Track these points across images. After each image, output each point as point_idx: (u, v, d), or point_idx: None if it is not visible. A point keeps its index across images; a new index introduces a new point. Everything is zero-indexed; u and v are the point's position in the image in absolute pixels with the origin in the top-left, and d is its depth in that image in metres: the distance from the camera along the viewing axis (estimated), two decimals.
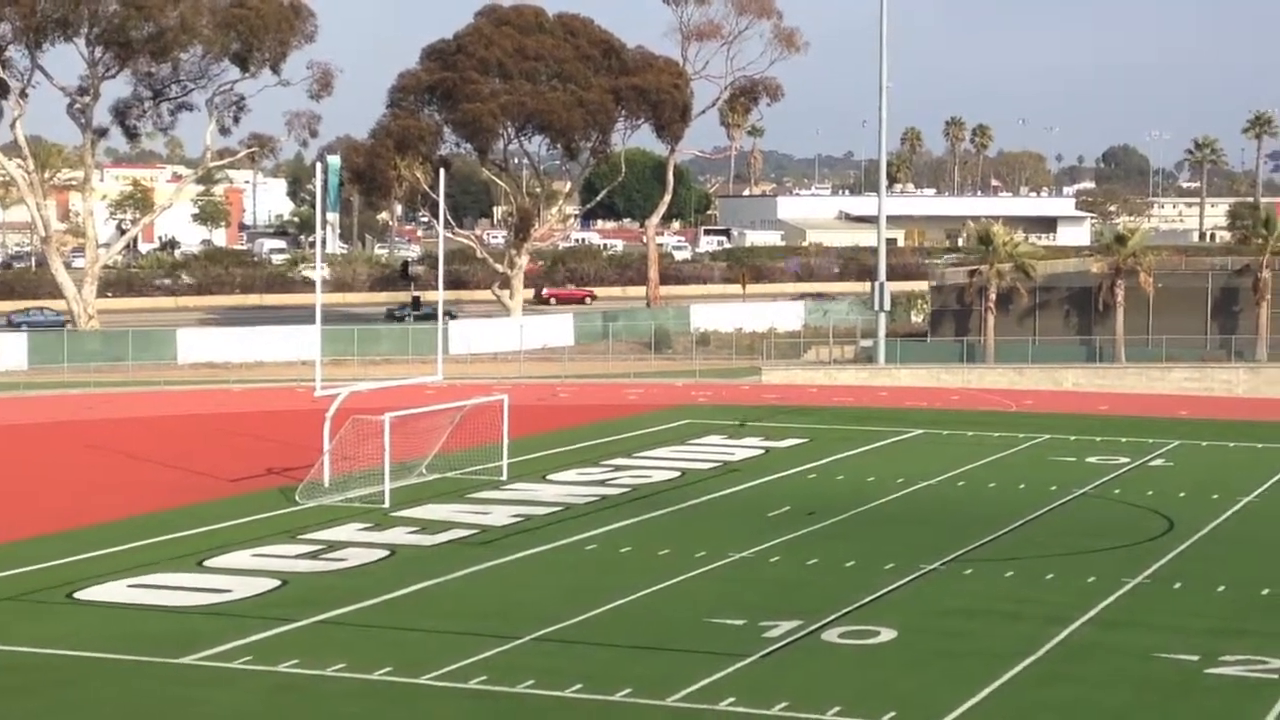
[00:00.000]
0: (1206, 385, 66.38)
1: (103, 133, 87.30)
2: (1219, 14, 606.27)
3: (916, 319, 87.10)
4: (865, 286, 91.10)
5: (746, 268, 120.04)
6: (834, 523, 36.53)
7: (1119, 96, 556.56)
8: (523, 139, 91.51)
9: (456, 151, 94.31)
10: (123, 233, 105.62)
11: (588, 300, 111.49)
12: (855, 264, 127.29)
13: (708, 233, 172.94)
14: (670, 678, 23.89)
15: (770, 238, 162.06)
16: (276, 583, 30.22)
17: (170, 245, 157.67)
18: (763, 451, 47.98)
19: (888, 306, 74.06)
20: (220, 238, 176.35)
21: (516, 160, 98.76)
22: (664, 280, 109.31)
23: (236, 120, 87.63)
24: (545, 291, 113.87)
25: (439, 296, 47.27)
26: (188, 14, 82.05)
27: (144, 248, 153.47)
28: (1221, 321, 72.94)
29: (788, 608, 28.15)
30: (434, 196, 65.60)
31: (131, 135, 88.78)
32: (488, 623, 27.12)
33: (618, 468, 44.51)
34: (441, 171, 51.62)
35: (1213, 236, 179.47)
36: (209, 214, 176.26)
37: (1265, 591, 29.85)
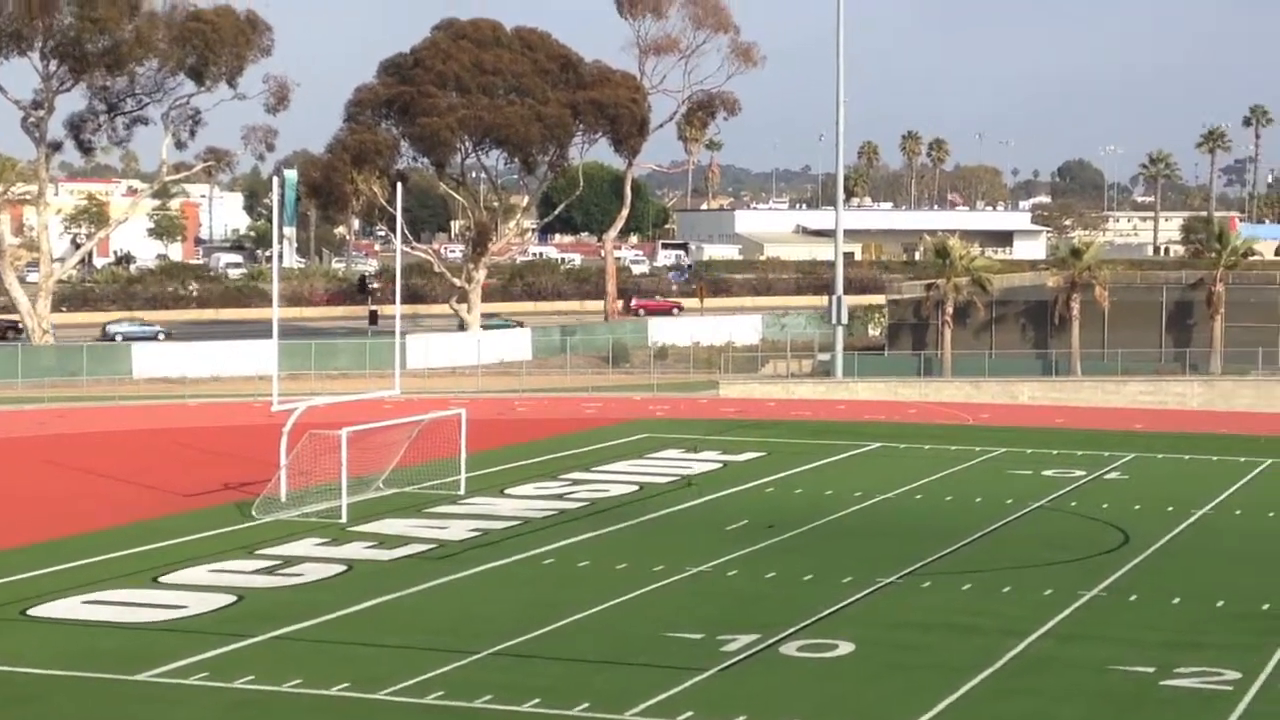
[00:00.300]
0: (1161, 398, 66.77)
1: (57, 146, 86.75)
2: (1173, 30, 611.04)
3: (874, 332, 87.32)
4: (823, 300, 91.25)
5: (704, 281, 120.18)
6: (792, 536, 36.58)
7: (1074, 111, 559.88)
8: (480, 153, 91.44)
9: (414, 166, 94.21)
10: (77, 247, 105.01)
11: (675, 312, 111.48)
12: (813, 278, 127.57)
13: (666, 246, 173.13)
14: (628, 692, 23.87)
15: (728, 251, 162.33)
16: (232, 598, 30.07)
17: (126, 260, 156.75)
18: (720, 465, 48.03)
19: (845, 320, 74.22)
20: (176, 252, 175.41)
21: (474, 174, 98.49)
22: (622, 294, 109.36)
23: (192, 134, 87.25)
24: (634, 303, 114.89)
25: (396, 310, 47.18)
26: (143, 27, 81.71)
27: (99, 262, 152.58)
28: (1176, 335, 73.37)
29: (746, 621, 28.17)
30: (391, 211, 65.59)
31: (86, 149, 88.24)
32: (445, 637, 27.06)
33: (575, 482, 44.48)
34: (399, 186, 51.48)
35: (1167, 250, 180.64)
36: (165, 228, 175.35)
37: (1220, 604, 30.02)
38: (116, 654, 25.91)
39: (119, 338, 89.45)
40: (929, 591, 31.06)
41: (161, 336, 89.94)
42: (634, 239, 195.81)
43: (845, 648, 26.63)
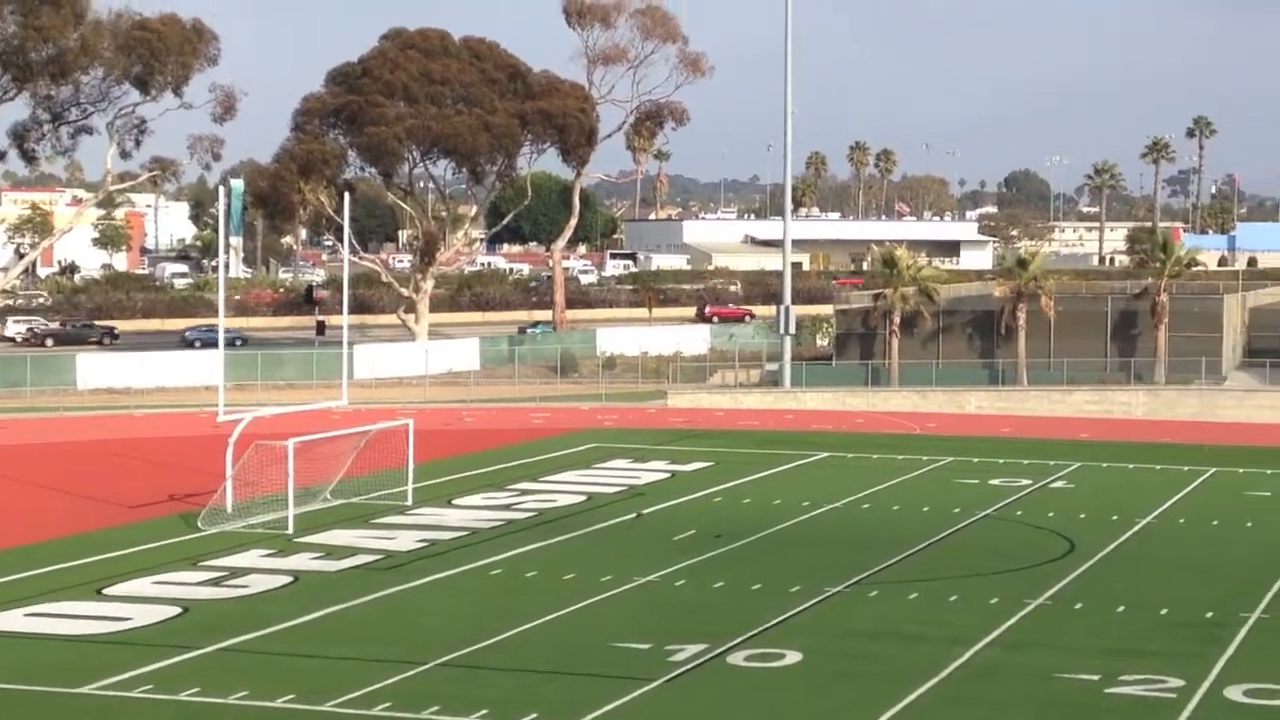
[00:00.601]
0: (1106, 407, 67.19)
1: (0, 156, 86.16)
2: (1118, 42, 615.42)
3: (822, 342, 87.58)
4: (771, 310, 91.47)
5: (652, 291, 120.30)
6: (740, 546, 36.62)
7: (1020, 122, 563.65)
8: (428, 163, 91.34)
9: (361, 175, 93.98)
10: (21, 257, 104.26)
11: (747, 320, 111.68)
12: (761, 288, 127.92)
13: (614, 256, 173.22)
14: (576, 703, 23.84)
15: (676, 261, 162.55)
16: (177, 610, 29.89)
17: (70, 269, 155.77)
18: (669, 475, 48.04)
19: (793, 330, 74.43)
20: (121, 262, 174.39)
21: (422, 184, 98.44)
22: (570, 304, 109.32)
23: (138, 143, 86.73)
24: (708, 310, 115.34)
25: (344, 321, 47.02)
26: (88, 36, 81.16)
27: (43, 272, 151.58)
28: (1121, 344, 73.86)
29: (693, 631, 28.18)
30: (338, 220, 65.33)
31: (30, 159, 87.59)
32: (392, 649, 26.96)
33: (523, 492, 44.41)
34: (346, 195, 51.37)
35: (1112, 260, 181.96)
36: (110, 238, 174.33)
37: (1164, 611, 30.22)
38: (60, 667, 25.70)
39: (197, 344, 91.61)
40: (876, 601, 31.15)
41: (239, 343, 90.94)
42: (582, 249, 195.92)
43: (793, 657, 26.68)
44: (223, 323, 42.69)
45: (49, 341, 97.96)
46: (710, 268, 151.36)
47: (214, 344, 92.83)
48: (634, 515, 39.82)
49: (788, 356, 73.44)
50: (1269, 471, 49.19)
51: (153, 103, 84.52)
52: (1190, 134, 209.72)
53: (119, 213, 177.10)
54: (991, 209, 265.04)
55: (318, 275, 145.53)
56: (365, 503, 41.59)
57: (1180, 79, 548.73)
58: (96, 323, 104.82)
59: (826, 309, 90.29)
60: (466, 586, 32.37)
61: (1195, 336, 72.05)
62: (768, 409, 67.86)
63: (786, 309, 73.43)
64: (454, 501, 42.64)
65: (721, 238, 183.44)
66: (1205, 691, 24.79)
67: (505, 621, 28.80)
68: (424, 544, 36.63)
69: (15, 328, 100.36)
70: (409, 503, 41.67)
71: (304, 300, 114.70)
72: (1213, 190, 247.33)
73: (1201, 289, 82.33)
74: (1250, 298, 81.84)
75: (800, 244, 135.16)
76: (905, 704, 23.99)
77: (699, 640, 27.45)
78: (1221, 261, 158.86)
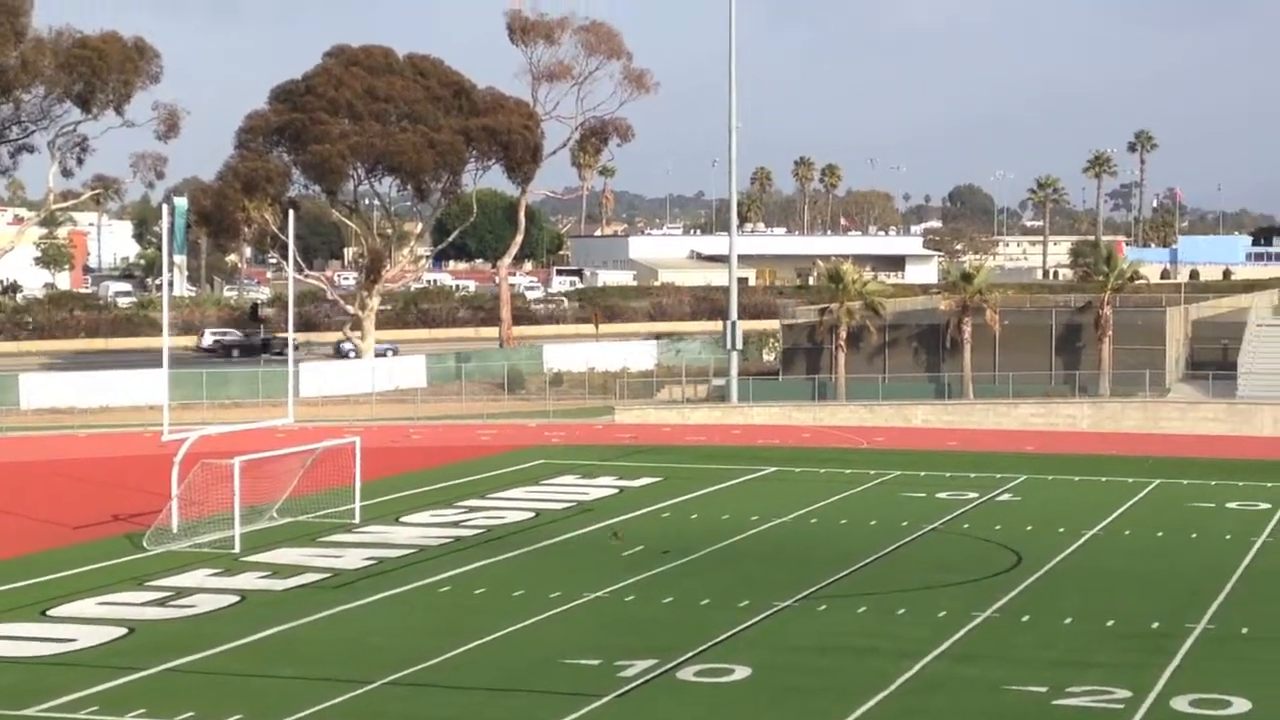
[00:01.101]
0: (1051, 420, 67.57)
1: None
2: (1060, 58, 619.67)
3: (768, 357, 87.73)
4: (718, 325, 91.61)
5: (599, 307, 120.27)
6: (688, 561, 36.62)
7: (965, 137, 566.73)
8: (373, 180, 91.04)
9: (306, 193, 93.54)
10: None
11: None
12: (707, 303, 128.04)
13: (560, 273, 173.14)
14: (526, 719, 23.76)
15: (623, 277, 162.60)
16: (123, 631, 29.66)
17: (11, 289, 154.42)
18: (617, 491, 48.02)
19: (740, 345, 74.55)
20: (64, 281, 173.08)
21: (367, 201, 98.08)
22: (517, 320, 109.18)
23: (80, 162, 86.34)
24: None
25: (289, 338, 46.78)
26: (29, 53, 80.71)
27: None
28: (1065, 357, 74.27)
29: (643, 647, 28.15)
30: (283, 238, 65.02)
31: None
32: (341, 667, 26.83)
33: (472, 509, 44.29)
34: (290, 213, 51.11)
35: (1056, 274, 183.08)
36: (52, 257, 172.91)
37: (1110, 623, 30.39)
38: (5, 689, 25.46)
39: (353, 354, 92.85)
40: (825, 614, 31.21)
41: (390, 353, 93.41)
42: (528, 265, 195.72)
43: (742, 672, 26.69)
44: (167, 341, 42.36)
45: (235, 352, 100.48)
46: (657, 283, 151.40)
47: (247, 350, 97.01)
48: (614, 536, 39.56)
49: (734, 371, 73.56)
50: (1212, 483, 49.59)
51: (94, 121, 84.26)
52: (1132, 148, 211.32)
53: (61, 231, 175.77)
54: (936, 223, 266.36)
55: (263, 293, 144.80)
56: (312, 521, 41.39)
57: (1121, 94, 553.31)
58: (276, 335, 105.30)
59: (773, 324, 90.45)
60: (415, 604, 32.25)
61: (1139, 349, 72.53)
62: (715, 424, 67.94)
63: (733, 324, 73.56)
64: (402, 519, 42.49)
65: (667, 253, 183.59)
66: (1152, 702, 24.95)
67: (454, 639, 28.71)
68: (372, 562, 36.48)
69: (210, 339, 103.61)
70: (356, 521, 41.50)
71: (249, 318, 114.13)
72: (1154, 204, 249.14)
73: (1144, 302, 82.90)
74: (1192, 310, 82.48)
75: (746, 259, 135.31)
76: (854, 717, 24.03)
77: (648, 656, 27.43)
78: (1164, 275, 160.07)
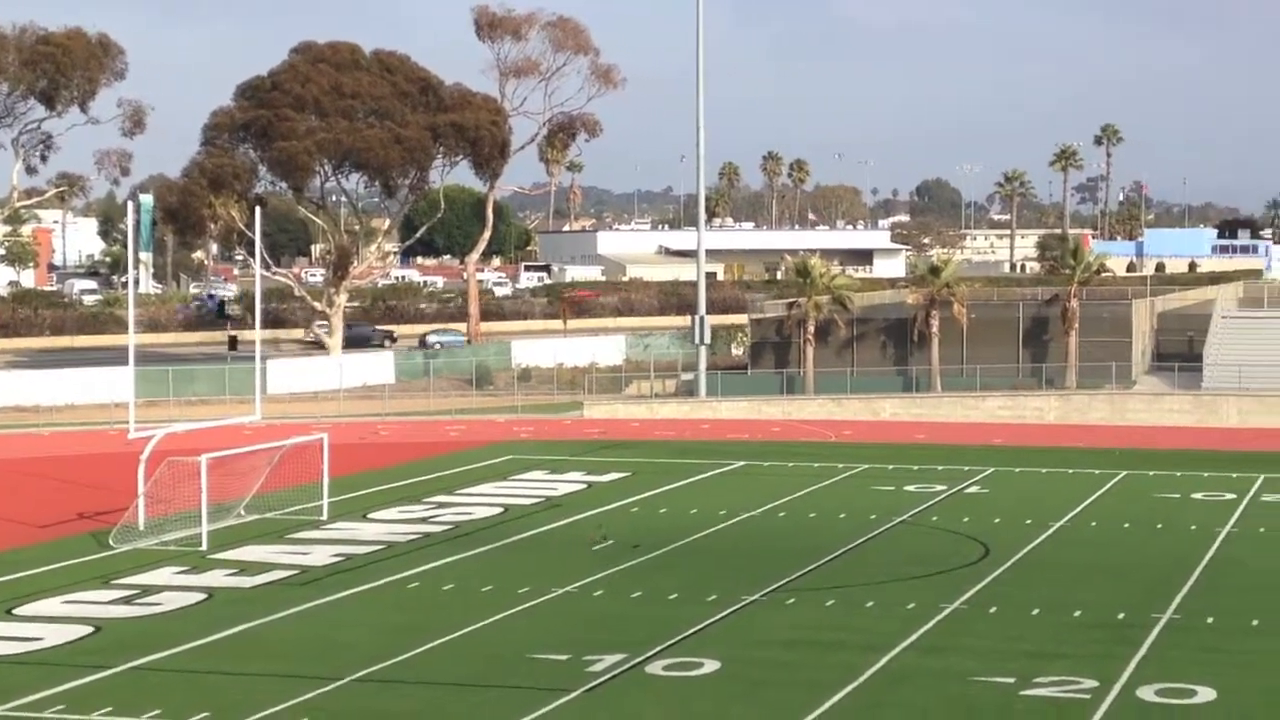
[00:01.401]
0: (1019, 413, 67.76)
1: None
2: (1025, 51, 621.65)
3: (737, 352, 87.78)
4: (686, 320, 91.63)
5: (567, 302, 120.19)
6: (657, 555, 36.64)
7: (931, 131, 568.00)
8: (340, 176, 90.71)
9: (272, 190, 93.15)
10: None
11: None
12: (676, 298, 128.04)
13: (528, 269, 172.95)
14: (495, 715, 23.77)
15: (591, 273, 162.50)
16: (89, 629, 29.54)
17: None
18: (585, 486, 48.01)
19: (708, 340, 74.57)
20: (29, 279, 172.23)
21: (334, 198, 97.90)
22: (485, 316, 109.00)
23: (44, 159, 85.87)
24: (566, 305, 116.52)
25: (257, 335, 46.65)
26: None
27: None
28: (1033, 350, 74.48)
29: (611, 641, 28.16)
30: (250, 235, 64.83)
31: None
32: (309, 664, 26.78)
33: (440, 505, 44.23)
34: (257, 210, 50.92)
35: (1023, 267, 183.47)
36: (16, 255, 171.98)
37: (1077, 614, 30.51)
38: None
39: (438, 345, 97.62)
40: (793, 608, 31.25)
41: (439, 345, 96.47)
42: (496, 261, 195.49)
43: (711, 666, 26.71)
44: (133, 339, 42.17)
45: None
46: (625, 279, 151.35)
47: (452, 345, 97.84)
48: (601, 535, 39.36)
49: (703, 366, 73.57)
50: (1178, 474, 49.82)
51: (59, 118, 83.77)
52: (1098, 141, 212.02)
53: (25, 229, 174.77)
54: (904, 217, 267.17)
55: (230, 290, 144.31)
56: (280, 518, 41.28)
57: (1088, 89, 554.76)
58: (377, 327, 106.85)
59: (741, 318, 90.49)
60: (383, 600, 32.20)
61: (1105, 342, 72.78)
62: (684, 419, 67.95)
63: (701, 319, 73.58)
64: (369, 515, 42.41)
65: (636, 249, 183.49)
66: (1118, 692, 25.07)
67: (423, 635, 28.67)
68: (340, 558, 36.40)
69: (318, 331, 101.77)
70: (324, 517, 41.41)
71: (216, 315, 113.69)
72: (1120, 197, 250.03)
73: (1111, 295, 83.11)
74: (1158, 303, 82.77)
75: (714, 254, 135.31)
76: (823, 710, 24.08)
77: (617, 650, 27.43)
78: (1130, 267, 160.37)
